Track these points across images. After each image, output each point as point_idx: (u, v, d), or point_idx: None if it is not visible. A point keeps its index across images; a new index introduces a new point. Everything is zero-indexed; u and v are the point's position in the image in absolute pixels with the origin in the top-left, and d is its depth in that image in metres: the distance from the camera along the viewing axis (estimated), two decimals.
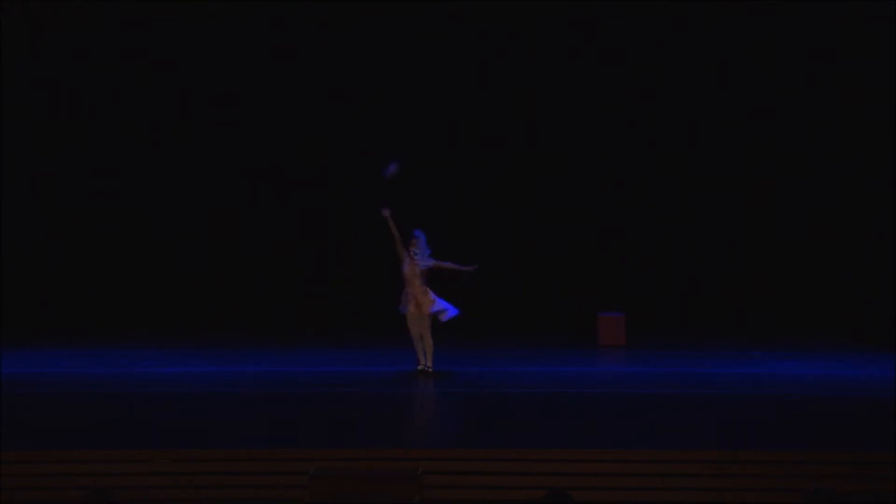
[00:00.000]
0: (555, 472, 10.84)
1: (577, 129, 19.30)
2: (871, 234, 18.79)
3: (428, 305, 14.84)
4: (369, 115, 19.41)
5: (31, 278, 19.40)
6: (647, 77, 19.15)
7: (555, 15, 19.15)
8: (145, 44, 19.34)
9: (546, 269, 19.15)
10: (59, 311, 19.27)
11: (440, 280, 15.43)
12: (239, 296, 19.46)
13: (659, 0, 18.95)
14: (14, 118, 19.28)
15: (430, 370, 15.06)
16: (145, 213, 19.57)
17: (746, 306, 19.04)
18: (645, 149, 19.24)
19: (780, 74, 18.98)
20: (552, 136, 19.35)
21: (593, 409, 13.54)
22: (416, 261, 14.90)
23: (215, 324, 19.17)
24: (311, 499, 10.50)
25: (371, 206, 19.39)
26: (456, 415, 13.80)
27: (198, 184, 19.52)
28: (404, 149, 19.39)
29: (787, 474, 10.74)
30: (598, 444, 11.40)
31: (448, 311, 15.02)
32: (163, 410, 13.29)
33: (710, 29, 18.99)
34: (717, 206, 19.17)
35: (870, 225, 18.84)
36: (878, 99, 18.66)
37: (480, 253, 18.37)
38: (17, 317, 19.02)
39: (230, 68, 19.41)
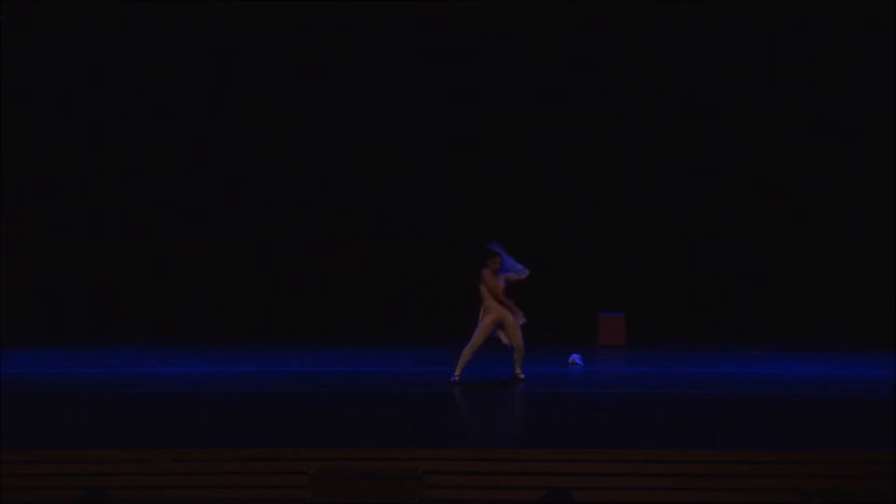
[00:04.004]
0: (555, 472, 10.83)
1: (577, 130, 19.31)
2: (870, 234, 18.79)
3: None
4: (369, 116, 19.42)
5: (31, 278, 19.40)
6: (646, 77, 19.15)
7: (555, 16, 19.16)
8: (143, 50, 19.36)
9: (546, 269, 19.13)
10: (59, 311, 19.27)
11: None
12: (239, 296, 19.46)
13: (657, 1, 18.97)
14: (14, 118, 19.29)
15: (521, 377, 14.88)
16: (145, 212, 19.57)
17: (746, 306, 19.04)
18: (645, 148, 19.25)
19: (781, 75, 18.99)
20: (552, 136, 19.36)
21: (593, 409, 13.54)
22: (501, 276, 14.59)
23: (215, 324, 19.18)
24: (311, 499, 10.50)
25: (369, 205, 19.52)
26: (456, 414, 13.80)
27: (198, 183, 19.52)
28: (405, 148, 19.48)
29: (787, 474, 10.74)
30: (598, 444, 11.40)
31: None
32: (163, 410, 13.29)
33: (710, 29, 19.00)
34: (718, 206, 19.17)
35: (869, 225, 18.84)
36: (879, 99, 18.66)
37: (480, 252, 18.39)
38: (17, 317, 19.01)
39: (227, 69, 19.43)
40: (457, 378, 14.58)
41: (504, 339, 14.61)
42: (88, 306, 19.29)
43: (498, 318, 14.46)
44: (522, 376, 14.72)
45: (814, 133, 18.98)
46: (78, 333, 18.64)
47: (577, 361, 16.24)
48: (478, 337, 14.55)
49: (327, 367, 16.13)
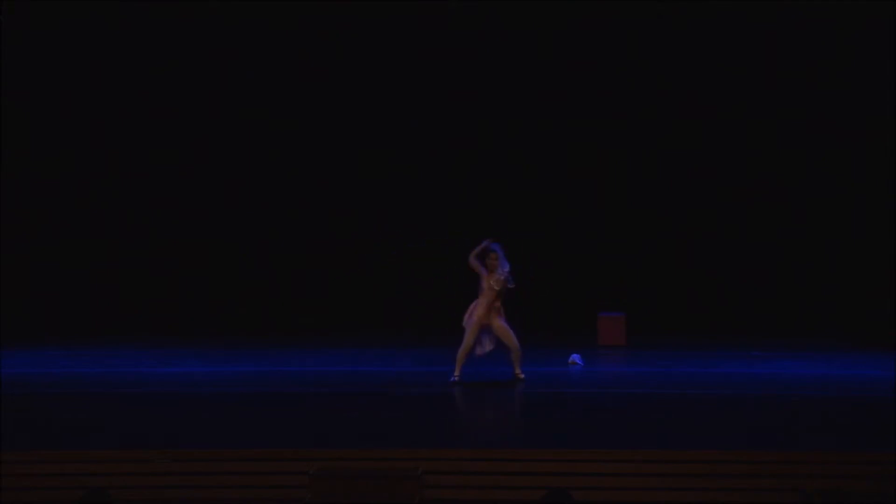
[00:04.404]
0: (555, 472, 10.83)
1: (577, 130, 19.31)
2: (870, 234, 18.79)
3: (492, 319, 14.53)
4: (369, 116, 19.42)
5: (31, 278, 19.40)
6: (646, 77, 19.15)
7: (555, 16, 19.15)
8: (143, 50, 19.36)
9: (546, 269, 19.15)
10: (59, 311, 19.27)
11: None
12: (239, 296, 19.46)
13: (657, 1, 18.97)
14: (14, 118, 19.29)
15: (521, 377, 14.88)
16: (145, 212, 19.58)
17: (746, 306, 19.04)
18: (645, 148, 19.25)
19: (781, 75, 18.98)
20: (552, 136, 19.36)
21: (593, 409, 13.54)
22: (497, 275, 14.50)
23: (215, 324, 19.18)
24: (311, 499, 10.50)
25: (369, 205, 19.51)
26: (456, 414, 13.80)
27: (198, 183, 19.53)
28: (405, 148, 19.47)
29: (787, 474, 10.74)
30: (598, 444, 11.39)
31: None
32: (163, 410, 13.29)
33: (710, 28, 19.00)
34: (718, 206, 19.17)
35: (869, 225, 18.84)
36: (879, 99, 18.65)
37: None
38: (17, 317, 19.01)
39: (227, 69, 19.43)
40: (456, 378, 14.59)
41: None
42: (88, 306, 19.29)
43: (482, 319, 14.43)
44: (522, 376, 14.72)
45: (814, 133, 18.98)
46: (78, 333, 18.64)
47: (577, 361, 16.24)
48: (468, 337, 14.53)
49: (327, 367, 16.13)
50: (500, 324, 14.47)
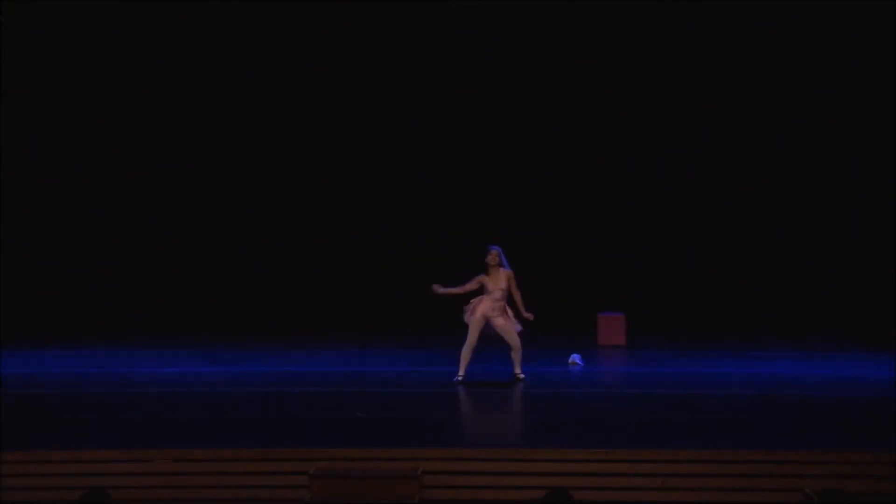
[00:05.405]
0: (555, 472, 10.83)
1: (577, 130, 19.32)
2: (870, 234, 18.79)
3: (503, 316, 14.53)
4: (368, 116, 19.43)
5: (31, 278, 19.40)
6: (646, 77, 19.16)
7: (555, 16, 19.16)
8: (143, 50, 19.36)
9: (546, 269, 19.16)
10: (59, 311, 19.27)
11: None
12: (239, 296, 19.46)
13: (657, 1, 18.98)
14: (14, 118, 19.29)
15: (520, 377, 14.84)
16: (145, 212, 19.58)
17: (746, 306, 19.04)
18: (645, 148, 19.26)
19: (781, 75, 18.99)
20: (552, 136, 19.37)
21: (594, 409, 13.54)
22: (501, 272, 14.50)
23: (215, 324, 19.18)
24: (311, 499, 10.50)
25: (369, 205, 19.51)
26: (456, 414, 13.80)
27: (198, 183, 19.53)
28: (405, 148, 19.48)
29: (787, 474, 10.73)
30: (598, 444, 11.39)
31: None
32: (163, 410, 13.29)
33: (710, 28, 19.01)
34: (718, 206, 19.18)
35: (869, 225, 18.85)
36: (879, 99, 18.66)
37: (480, 253, 18.40)
38: (17, 317, 19.01)
39: (227, 69, 19.43)
40: (461, 378, 14.58)
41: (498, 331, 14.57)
42: (88, 306, 19.29)
43: (484, 314, 14.43)
44: (522, 376, 14.72)
45: (814, 133, 18.99)
46: (78, 333, 18.64)
47: (578, 361, 16.24)
48: (472, 334, 14.53)
49: (327, 367, 16.13)
50: (502, 322, 14.47)
